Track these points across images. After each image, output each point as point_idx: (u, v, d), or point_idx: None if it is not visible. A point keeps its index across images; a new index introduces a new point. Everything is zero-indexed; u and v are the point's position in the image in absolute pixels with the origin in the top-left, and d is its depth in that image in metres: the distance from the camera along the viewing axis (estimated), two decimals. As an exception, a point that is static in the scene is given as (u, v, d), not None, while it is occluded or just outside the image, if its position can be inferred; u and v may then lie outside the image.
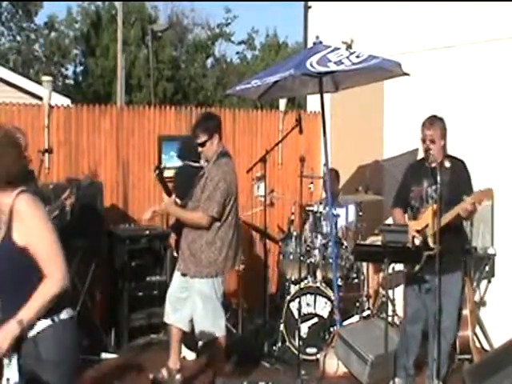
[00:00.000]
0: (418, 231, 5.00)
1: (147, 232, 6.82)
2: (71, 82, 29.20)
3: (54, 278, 2.74)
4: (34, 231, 2.78)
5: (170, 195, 5.25)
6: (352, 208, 6.96)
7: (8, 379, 2.73)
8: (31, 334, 2.78)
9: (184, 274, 5.21)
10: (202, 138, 5.16)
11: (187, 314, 5.24)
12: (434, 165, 4.99)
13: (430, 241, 4.95)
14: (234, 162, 5.39)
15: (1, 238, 2.82)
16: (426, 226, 4.99)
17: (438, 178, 4.74)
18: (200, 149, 5.22)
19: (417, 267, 5.03)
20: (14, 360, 2.74)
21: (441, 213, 4.82)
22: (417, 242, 4.99)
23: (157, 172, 5.45)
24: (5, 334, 2.69)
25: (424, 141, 5.07)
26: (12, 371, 2.72)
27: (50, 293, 2.74)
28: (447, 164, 4.99)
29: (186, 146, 6.41)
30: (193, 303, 5.16)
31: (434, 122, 5.10)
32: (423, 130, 5.09)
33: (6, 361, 2.73)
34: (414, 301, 5.22)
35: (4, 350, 2.68)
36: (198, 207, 5.09)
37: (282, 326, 6.27)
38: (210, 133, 5.15)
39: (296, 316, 6.10)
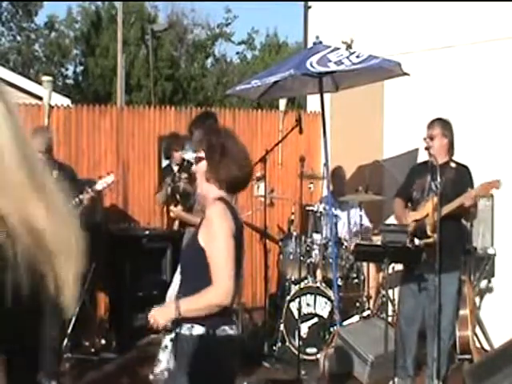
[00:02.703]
0: (416, 220, 5.06)
1: (147, 232, 6.82)
2: (71, 81, 29.22)
3: (218, 288, 2.83)
4: (214, 241, 2.88)
5: (176, 205, 5.25)
6: (357, 211, 6.99)
7: (160, 361, 2.94)
8: (187, 332, 2.89)
9: None
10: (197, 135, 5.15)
11: None
12: (440, 162, 5.08)
13: (429, 229, 4.99)
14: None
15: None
16: (427, 215, 5.04)
17: (438, 173, 4.81)
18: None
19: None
20: (169, 347, 2.91)
21: (441, 206, 4.88)
22: (417, 241, 5.00)
23: (172, 185, 5.51)
24: (163, 312, 2.90)
25: (424, 139, 5.16)
26: (165, 356, 2.92)
27: (210, 301, 2.84)
28: (452, 164, 5.07)
29: (167, 145, 6.53)
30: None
31: (435, 121, 5.23)
32: (426, 131, 5.21)
33: (163, 345, 2.93)
34: (410, 301, 5.22)
35: (160, 324, 2.86)
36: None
37: (282, 326, 6.27)
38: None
39: (296, 316, 6.09)
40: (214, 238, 2.87)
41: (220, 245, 2.86)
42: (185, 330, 2.88)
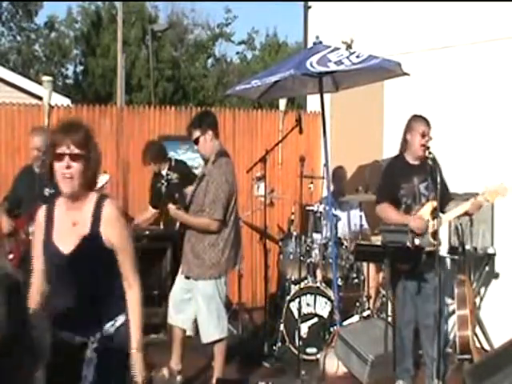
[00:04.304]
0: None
1: (147, 232, 6.82)
2: (71, 81, 29.21)
3: (135, 288, 2.97)
4: (122, 239, 2.97)
5: (175, 204, 5.25)
6: (357, 211, 6.99)
7: (86, 376, 2.88)
8: (112, 329, 2.93)
9: (187, 277, 5.21)
10: (195, 135, 5.16)
11: (191, 314, 5.24)
12: (416, 162, 5.14)
13: (431, 237, 4.97)
14: (234, 162, 5.39)
15: (83, 234, 2.91)
16: (427, 221, 5.02)
17: (438, 176, 4.82)
18: (195, 146, 5.25)
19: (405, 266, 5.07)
20: (94, 358, 2.88)
21: (441, 209, 4.88)
22: (417, 241, 4.99)
23: (165, 184, 5.50)
24: (138, 367, 2.90)
25: (424, 136, 5.10)
26: (90, 369, 2.88)
27: (139, 303, 2.95)
28: (429, 161, 5.05)
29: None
30: (196, 304, 5.16)
31: (428, 121, 5.17)
32: (421, 125, 5.12)
33: (86, 359, 2.88)
34: (408, 302, 5.21)
35: (142, 378, 2.88)
36: (201, 211, 5.08)
37: (281, 326, 6.27)
38: (203, 129, 5.14)
39: (296, 316, 6.10)
40: (122, 237, 2.96)
41: (129, 243, 2.99)
42: (108, 329, 2.93)
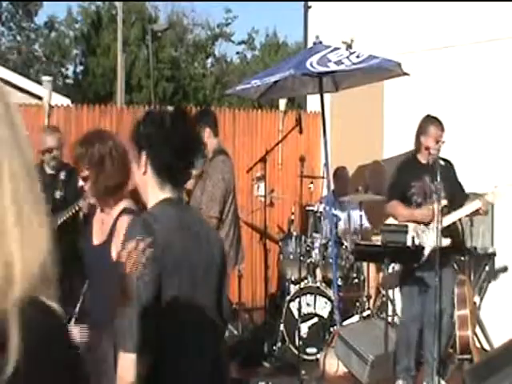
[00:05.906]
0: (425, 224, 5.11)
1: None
2: (71, 81, 29.21)
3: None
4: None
5: None
6: (357, 211, 6.99)
7: None
8: None
9: None
10: None
11: None
12: (430, 162, 5.14)
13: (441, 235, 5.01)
14: (234, 162, 5.39)
15: (101, 240, 2.99)
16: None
17: (438, 175, 4.84)
18: None
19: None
20: None
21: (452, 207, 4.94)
22: (417, 241, 5.00)
23: None
24: None
25: (438, 142, 5.13)
26: None
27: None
28: (441, 162, 5.06)
29: None
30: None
31: (442, 123, 5.20)
32: (436, 129, 5.14)
33: None
34: (413, 301, 5.22)
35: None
36: (199, 209, 5.08)
37: (281, 326, 6.27)
38: (200, 127, 5.14)
39: (296, 316, 6.09)
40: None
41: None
42: None
